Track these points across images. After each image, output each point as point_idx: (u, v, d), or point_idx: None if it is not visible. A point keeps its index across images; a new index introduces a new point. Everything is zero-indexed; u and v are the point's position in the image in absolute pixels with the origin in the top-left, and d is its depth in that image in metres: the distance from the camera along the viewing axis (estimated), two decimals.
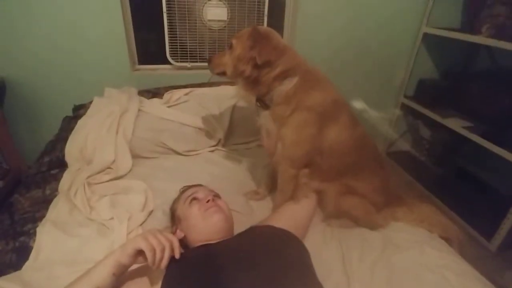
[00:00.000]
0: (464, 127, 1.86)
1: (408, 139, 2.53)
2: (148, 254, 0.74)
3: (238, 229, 0.99)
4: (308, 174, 1.12)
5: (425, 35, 2.10)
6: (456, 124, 1.91)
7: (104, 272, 0.73)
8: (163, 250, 0.76)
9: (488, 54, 2.08)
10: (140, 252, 0.76)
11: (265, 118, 1.11)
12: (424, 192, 2.13)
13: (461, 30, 1.96)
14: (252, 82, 1.04)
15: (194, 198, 1.00)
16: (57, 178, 1.31)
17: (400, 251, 1.07)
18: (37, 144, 1.79)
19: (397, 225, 1.20)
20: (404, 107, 2.35)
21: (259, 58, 0.97)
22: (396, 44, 2.19)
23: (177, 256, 0.78)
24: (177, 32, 1.84)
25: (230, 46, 1.07)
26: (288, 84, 1.02)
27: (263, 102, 1.09)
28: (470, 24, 1.96)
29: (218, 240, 0.90)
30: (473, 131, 1.81)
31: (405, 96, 2.31)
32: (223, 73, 1.14)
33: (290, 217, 1.10)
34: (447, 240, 1.16)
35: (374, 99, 2.30)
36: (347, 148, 1.08)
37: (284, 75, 1.02)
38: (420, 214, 1.21)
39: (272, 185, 1.34)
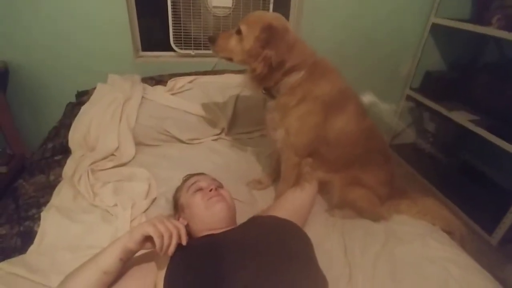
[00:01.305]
0: (470, 120, 1.84)
1: (412, 131, 2.52)
2: (156, 240, 0.74)
3: (241, 218, 0.99)
4: (312, 163, 1.12)
5: (434, 25, 2.06)
6: (462, 117, 1.89)
7: (112, 257, 0.74)
8: (170, 237, 0.76)
9: (497, 46, 2.04)
10: (147, 238, 0.76)
11: (271, 108, 1.09)
12: (426, 185, 2.13)
13: (471, 21, 1.91)
14: (262, 77, 1.02)
15: (197, 187, 1.00)
16: (61, 164, 1.31)
17: (402, 243, 1.07)
18: (40, 130, 1.79)
19: (400, 217, 1.20)
20: (409, 99, 2.32)
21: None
22: (404, 35, 2.15)
23: (184, 243, 0.79)
24: (181, 19, 1.81)
25: (238, 31, 1.03)
26: (295, 76, 1.01)
27: (269, 92, 1.08)
28: (479, 15, 1.92)
29: (221, 230, 0.91)
30: (479, 125, 1.79)
31: (411, 88, 2.28)
32: (229, 59, 1.10)
33: (291, 205, 1.10)
34: (449, 234, 1.16)
35: (379, 91, 2.27)
36: (354, 139, 1.07)
37: (292, 70, 1.01)
38: (424, 208, 1.21)
39: (275, 175, 1.34)
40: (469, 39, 2.06)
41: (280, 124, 1.08)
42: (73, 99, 1.72)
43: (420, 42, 2.16)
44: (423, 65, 2.21)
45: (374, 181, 1.12)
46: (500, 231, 1.67)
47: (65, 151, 1.39)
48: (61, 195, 1.14)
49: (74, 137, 1.38)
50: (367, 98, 2.19)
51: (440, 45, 2.17)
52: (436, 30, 2.08)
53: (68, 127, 1.45)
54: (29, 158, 1.36)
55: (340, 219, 1.18)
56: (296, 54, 1.00)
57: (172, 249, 0.77)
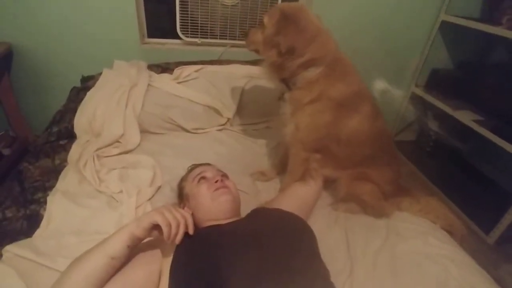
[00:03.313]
0: (474, 120, 1.84)
1: (415, 129, 2.52)
2: (164, 229, 0.75)
3: (244, 209, 1.00)
4: (320, 160, 1.12)
5: (443, 23, 2.04)
6: (466, 117, 1.89)
7: (119, 244, 0.75)
8: (178, 226, 0.77)
9: (506, 47, 2.03)
10: (155, 226, 0.77)
11: (286, 100, 1.10)
12: (426, 183, 2.15)
13: (480, 20, 1.89)
14: (277, 67, 1.02)
15: (203, 177, 1.01)
16: (66, 149, 1.32)
17: (404, 240, 1.08)
18: (43, 113, 1.79)
19: (402, 214, 1.22)
20: (414, 96, 2.31)
21: (282, 46, 0.95)
22: (413, 31, 2.13)
23: (191, 232, 0.80)
24: (189, 6, 1.79)
25: (262, 23, 1.04)
26: (313, 72, 1.00)
27: (286, 84, 1.08)
28: (490, 15, 1.90)
29: (226, 220, 0.92)
30: (483, 125, 1.79)
31: (417, 85, 2.27)
32: (257, 51, 1.11)
33: (296, 199, 1.11)
34: (449, 233, 1.18)
35: (385, 86, 2.27)
36: (366, 139, 1.08)
37: (310, 64, 1.00)
38: (425, 206, 1.22)
39: (280, 168, 1.35)
40: (478, 38, 2.05)
41: (290, 117, 1.08)
42: (78, 84, 1.71)
43: (428, 39, 2.14)
44: (430, 63, 2.20)
45: (380, 178, 1.13)
46: (498, 231, 1.69)
47: (70, 136, 1.39)
48: (66, 180, 1.15)
49: (80, 122, 1.37)
50: (378, 85, 2.18)
51: (448, 43, 2.15)
52: (445, 28, 2.06)
53: (73, 111, 1.45)
54: (34, 141, 1.36)
55: (343, 213, 1.19)
56: (316, 47, 0.99)
57: (179, 238, 0.78)
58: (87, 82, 1.60)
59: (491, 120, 1.83)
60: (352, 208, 1.20)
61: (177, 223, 0.78)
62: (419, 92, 2.24)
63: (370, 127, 1.07)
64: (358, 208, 1.20)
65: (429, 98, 2.15)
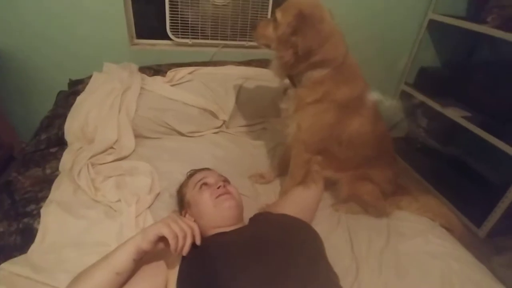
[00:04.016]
0: (462, 117, 1.88)
1: (405, 125, 2.56)
2: (171, 241, 0.73)
3: (245, 213, 0.99)
4: (321, 162, 1.12)
5: (431, 21, 2.08)
6: (455, 113, 1.94)
7: (124, 258, 0.72)
8: (185, 237, 0.75)
9: (492, 45, 2.08)
10: (161, 238, 0.75)
11: (288, 97, 1.09)
12: (417, 178, 2.19)
13: (466, 18, 1.94)
14: (289, 65, 1.01)
15: (204, 184, 0.99)
16: (57, 157, 1.26)
17: (405, 239, 1.10)
18: (29, 119, 1.72)
19: (401, 213, 1.23)
20: (403, 94, 2.35)
21: (301, 49, 0.93)
22: (401, 30, 2.16)
23: (198, 243, 0.78)
24: (179, 6, 1.75)
25: (275, 18, 1.02)
26: (319, 72, 0.99)
27: (292, 80, 1.08)
28: (476, 13, 1.94)
29: (230, 227, 0.90)
30: (471, 121, 1.84)
31: (406, 83, 2.31)
32: (268, 46, 1.09)
33: (300, 203, 1.11)
34: (448, 230, 1.20)
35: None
36: (367, 140, 1.08)
37: (319, 64, 0.99)
38: (424, 204, 1.24)
39: (279, 170, 1.34)
40: (465, 37, 2.09)
41: (293, 114, 1.07)
42: (64, 87, 1.64)
43: (416, 38, 2.17)
44: (418, 61, 2.24)
45: (380, 178, 1.14)
46: (488, 224, 1.74)
47: (61, 143, 1.33)
48: (60, 190, 1.10)
49: (71, 128, 1.32)
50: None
51: (436, 41, 2.19)
52: (433, 26, 2.10)
53: (62, 117, 1.39)
54: (22, 150, 1.29)
55: (344, 214, 1.20)
56: (328, 49, 0.97)
57: (186, 249, 0.76)
58: (76, 86, 1.53)
59: (479, 116, 1.89)
60: (353, 208, 1.21)
61: (184, 234, 0.76)
62: (408, 89, 2.28)
63: (371, 129, 1.07)
64: (359, 208, 1.21)
65: (418, 95, 2.20)
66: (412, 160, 2.32)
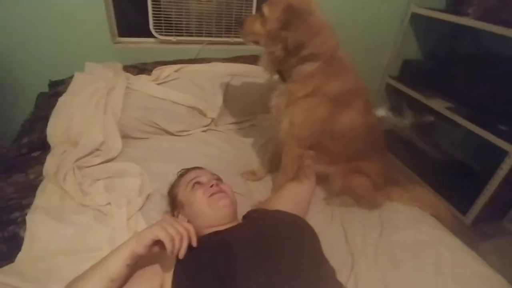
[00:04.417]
0: (447, 108, 1.93)
1: (391, 118, 2.60)
2: (168, 245, 0.71)
3: (239, 210, 0.98)
4: (313, 156, 1.12)
5: (413, 15, 2.11)
6: (439, 105, 1.98)
7: (118, 264, 0.70)
8: (181, 240, 0.74)
9: (473, 37, 2.13)
10: (156, 242, 0.73)
11: (278, 92, 1.08)
12: (404, 169, 2.23)
13: (448, 11, 1.98)
14: (279, 60, 1.00)
15: (197, 183, 0.97)
16: (40, 161, 1.21)
17: (399, 230, 1.12)
18: (9, 122, 1.63)
19: (393, 204, 1.25)
20: (388, 87, 2.38)
21: (291, 43, 0.92)
22: (384, 24, 2.18)
23: (194, 244, 0.77)
24: (161, 2, 1.71)
25: (262, 13, 1.00)
26: (309, 66, 0.99)
27: (281, 75, 1.07)
28: (457, 6, 1.98)
29: (224, 226, 0.89)
30: (455, 112, 1.89)
31: (390, 77, 2.34)
32: (256, 42, 1.07)
33: (293, 199, 1.11)
34: (437, 218, 1.23)
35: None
36: (358, 134, 1.09)
37: (309, 58, 0.98)
38: (413, 195, 1.27)
39: (271, 167, 1.33)
40: (447, 29, 2.14)
41: (284, 111, 1.06)
42: (45, 89, 1.58)
43: (400, 31, 2.20)
44: (402, 54, 2.27)
45: (372, 171, 1.16)
46: (474, 211, 1.79)
47: (44, 147, 1.28)
48: (46, 196, 1.05)
49: (54, 131, 1.26)
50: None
51: (419, 34, 2.23)
52: (415, 20, 2.14)
53: (43, 119, 1.33)
54: (3, 155, 1.24)
55: (337, 207, 1.21)
56: (318, 42, 0.97)
57: (182, 252, 0.75)
58: (57, 87, 1.47)
59: (461, 106, 1.93)
60: (346, 201, 1.22)
61: (180, 237, 0.75)
62: (393, 83, 2.32)
63: (363, 123, 1.08)
64: (352, 201, 1.22)
65: (403, 88, 2.23)
66: (399, 152, 2.36)
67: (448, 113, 1.91)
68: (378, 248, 1.04)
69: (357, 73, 1.08)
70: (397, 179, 1.32)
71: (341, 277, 0.89)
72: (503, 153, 1.60)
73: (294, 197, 1.12)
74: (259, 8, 1.04)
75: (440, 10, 1.98)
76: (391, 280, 0.94)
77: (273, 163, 1.32)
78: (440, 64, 2.18)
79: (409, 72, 2.24)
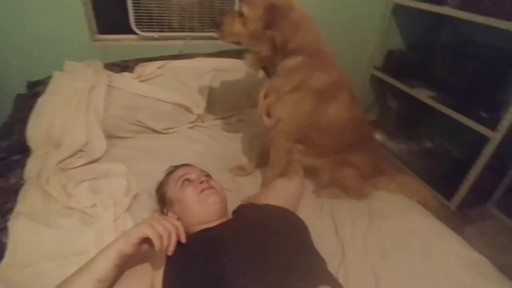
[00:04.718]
0: (430, 97, 1.96)
1: (376, 109, 2.63)
2: (156, 242, 0.70)
3: (228, 206, 0.98)
4: (301, 150, 1.12)
5: (395, 5, 2.13)
6: (422, 94, 2.01)
7: (106, 265, 0.69)
8: (169, 236, 0.73)
9: (453, 26, 2.17)
10: (144, 240, 0.72)
11: (266, 87, 1.08)
12: (391, 159, 2.27)
13: (429, 0, 2.00)
14: (264, 59, 0.99)
15: (186, 180, 0.96)
16: (21, 165, 1.17)
17: (386, 219, 1.14)
18: None
19: (381, 194, 1.27)
20: (373, 78, 2.41)
21: (279, 41, 0.91)
22: (367, 16, 2.19)
23: (183, 240, 0.76)
24: None
25: (240, 13, 0.98)
26: (293, 61, 0.98)
27: (266, 71, 1.06)
28: None
29: (214, 222, 0.89)
30: (437, 101, 1.92)
31: (375, 67, 2.37)
32: (237, 43, 1.05)
33: (282, 193, 1.11)
34: (424, 206, 1.26)
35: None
36: (345, 126, 1.09)
37: (292, 52, 0.98)
38: (400, 183, 1.29)
39: (259, 161, 1.33)
40: (429, 19, 2.17)
41: (271, 107, 1.06)
42: (23, 90, 1.53)
43: (382, 22, 2.22)
44: (386, 45, 2.29)
45: (360, 162, 1.17)
46: (458, 196, 1.83)
47: (24, 150, 1.24)
48: (28, 200, 1.02)
49: (35, 133, 1.22)
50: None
51: (402, 25, 2.25)
52: (398, 10, 2.15)
53: (22, 122, 1.28)
54: None
55: (326, 199, 1.21)
56: (301, 35, 0.96)
57: (171, 249, 0.74)
58: (35, 88, 1.42)
59: (444, 95, 1.97)
60: (334, 193, 1.23)
61: (168, 233, 0.74)
62: (377, 73, 2.34)
63: (349, 114, 1.09)
64: (340, 193, 1.23)
65: (387, 78, 2.26)
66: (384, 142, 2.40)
67: (431, 102, 1.94)
68: (367, 238, 1.05)
69: (340, 66, 1.08)
70: (384, 168, 1.33)
71: (332, 268, 0.90)
72: (485, 140, 1.64)
73: (284, 193, 1.12)
74: (241, 2, 1.02)
75: (421, 0, 2.00)
76: (380, 269, 0.96)
77: (262, 157, 1.31)
78: (423, 54, 2.21)
79: (393, 62, 2.26)
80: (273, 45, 0.94)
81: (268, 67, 1.05)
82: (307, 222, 0.94)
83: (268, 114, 1.09)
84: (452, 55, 2.00)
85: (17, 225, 0.93)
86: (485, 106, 1.74)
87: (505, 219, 1.85)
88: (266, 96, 1.07)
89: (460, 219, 1.81)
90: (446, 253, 1.02)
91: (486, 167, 1.69)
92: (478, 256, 1.03)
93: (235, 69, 1.62)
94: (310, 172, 1.23)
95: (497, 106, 1.71)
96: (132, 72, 1.51)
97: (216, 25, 1.05)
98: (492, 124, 1.60)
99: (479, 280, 0.93)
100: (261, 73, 1.11)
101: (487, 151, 1.65)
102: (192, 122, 1.55)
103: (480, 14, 1.63)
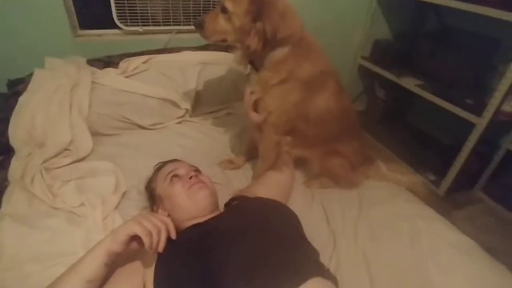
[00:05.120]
0: (417, 85, 1.98)
1: (364, 99, 2.65)
2: (145, 239, 0.69)
3: (219, 200, 0.98)
4: (290, 142, 1.12)
5: None
6: (409, 82, 2.03)
7: (95, 264, 0.68)
8: (159, 233, 0.72)
9: (437, 14, 2.18)
10: (133, 238, 0.71)
11: (252, 82, 1.06)
12: (380, 147, 2.29)
13: None
14: (254, 53, 0.97)
15: (175, 175, 0.95)
16: (4, 166, 1.14)
17: (376, 206, 1.15)
18: None
19: (370, 182, 1.29)
20: (361, 68, 2.42)
21: (270, 32, 0.89)
22: (353, 6, 2.19)
23: (173, 237, 0.75)
24: None
25: (224, 9, 0.95)
26: (280, 52, 0.97)
27: (254, 65, 1.04)
28: None
29: (205, 217, 0.88)
30: (423, 89, 1.94)
31: (362, 57, 2.37)
32: (223, 41, 1.02)
33: (273, 186, 1.11)
34: (413, 192, 1.28)
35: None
36: (333, 116, 1.09)
37: (279, 43, 0.96)
38: (389, 171, 1.30)
39: (249, 155, 1.32)
40: (413, 7, 2.18)
41: (259, 102, 1.04)
42: (3, 89, 1.48)
43: (368, 12, 2.22)
44: (372, 35, 2.29)
45: (348, 151, 1.17)
46: (446, 182, 1.87)
47: (7, 151, 1.21)
48: (13, 202, 1.00)
49: (17, 133, 1.19)
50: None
51: (388, 14, 2.25)
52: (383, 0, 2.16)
53: (4, 122, 1.25)
54: None
55: (316, 189, 1.22)
56: (287, 25, 0.94)
57: (161, 245, 0.73)
58: (16, 87, 1.38)
59: (430, 83, 1.99)
60: (324, 183, 1.24)
61: (157, 230, 0.73)
62: (365, 63, 2.35)
63: (337, 104, 1.09)
64: (330, 182, 1.23)
65: (375, 68, 2.27)
66: (374, 131, 2.41)
67: (418, 90, 1.96)
68: (357, 226, 1.06)
69: (326, 54, 1.07)
70: (373, 157, 1.34)
71: (324, 257, 0.91)
72: (471, 126, 1.67)
73: (275, 185, 1.11)
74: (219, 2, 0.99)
75: None
76: (371, 254, 0.97)
77: (251, 151, 1.31)
78: (409, 43, 2.23)
79: (379, 52, 2.27)
80: (263, 38, 0.92)
81: (255, 61, 1.03)
82: (298, 213, 0.94)
83: (256, 110, 1.08)
84: (437, 43, 2.02)
85: (2, 228, 0.90)
86: (470, 93, 1.76)
87: (491, 203, 1.89)
88: (252, 92, 1.06)
89: (448, 204, 1.85)
90: (435, 236, 1.03)
91: (472, 152, 1.72)
92: (465, 238, 1.05)
93: (222, 62, 1.60)
94: (299, 163, 1.24)
95: (482, 92, 1.74)
96: (116, 67, 1.48)
97: (197, 25, 1.02)
98: (478, 110, 1.62)
99: (467, 261, 0.95)
100: (248, 69, 1.09)
101: (473, 137, 1.67)
102: (180, 117, 1.53)
103: (463, 1, 1.64)
